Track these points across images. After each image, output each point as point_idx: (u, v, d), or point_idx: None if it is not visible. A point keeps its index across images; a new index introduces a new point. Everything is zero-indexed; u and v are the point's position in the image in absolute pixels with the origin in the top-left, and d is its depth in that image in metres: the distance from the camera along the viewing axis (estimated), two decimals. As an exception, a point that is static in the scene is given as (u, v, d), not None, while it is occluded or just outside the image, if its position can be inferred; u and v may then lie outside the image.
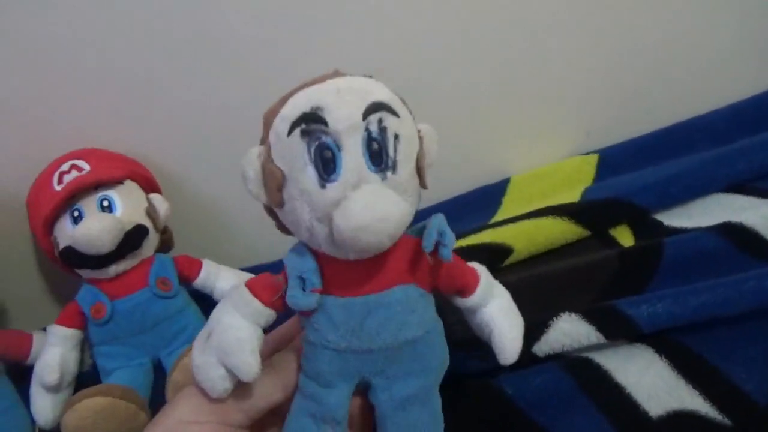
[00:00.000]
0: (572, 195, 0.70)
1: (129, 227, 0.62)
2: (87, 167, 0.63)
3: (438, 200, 0.83)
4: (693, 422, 0.45)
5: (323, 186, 0.34)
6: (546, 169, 0.78)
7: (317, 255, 0.38)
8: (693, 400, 0.47)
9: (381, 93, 0.36)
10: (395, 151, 0.35)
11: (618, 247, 0.63)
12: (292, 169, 0.35)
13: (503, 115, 0.81)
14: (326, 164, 0.34)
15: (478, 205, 0.81)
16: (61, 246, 0.62)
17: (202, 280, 0.68)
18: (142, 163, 0.70)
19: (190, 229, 0.74)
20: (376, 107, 0.35)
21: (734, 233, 0.56)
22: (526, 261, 0.65)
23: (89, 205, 0.62)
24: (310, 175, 0.34)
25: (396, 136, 0.35)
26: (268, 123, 0.37)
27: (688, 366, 0.49)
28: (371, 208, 0.33)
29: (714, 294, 0.49)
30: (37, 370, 0.62)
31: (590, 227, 0.65)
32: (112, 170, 0.64)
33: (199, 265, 0.69)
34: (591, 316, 0.50)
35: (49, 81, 0.68)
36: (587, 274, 0.59)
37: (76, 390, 0.64)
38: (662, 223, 0.64)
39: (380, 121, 0.35)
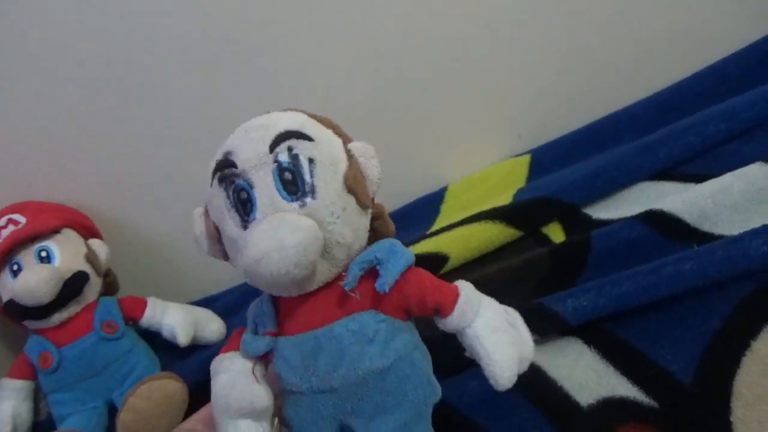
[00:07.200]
0: (506, 197, 0.72)
1: (68, 275, 0.62)
2: (23, 220, 0.64)
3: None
4: (621, 407, 0.47)
5: (245, 227, 0.33)
6: (480, 174, 0.80)
7: (275, 299, 0.37)
8: (621, 386, 0.48)
9: (289, 122, 0.36)
10: (311, 175, 0.34)
11: (550, 244, 0.65)
12: (221, 219, 0.35)
13: (437, 125, 0.82)
14: (244, 204, 0.34)
15: (418, 214, 0.82)
16: (4, 300, 0.63)
17: (148, 319, 0.68)
18: (79, 211, 0.71)
19: (136, 270, 0.75)
20: (283, 136, 0.34)
21: (655, 220, 0.58)
22: (464, 266, 0.66)
23: (27, 257, 0.62)
24: (234, 219, 0.34)
25: (311, 160, 0.35)
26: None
27: (616, 354, 0.51)
28: (265, 237, 0.32)
29: (634, 282, 0.51)
30: (-9, 424, 0.63)
31: (522, 228, 0.67)
32: (48, 221, 0.65)
33: (144, 304, 0.69)
34: (520, 315, 0.52)
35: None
36: (521, 274, 0.60)
37: (31, 439, 0.64)
38: (591, 216, 0.66)
39: (290, 148, 0.34)
